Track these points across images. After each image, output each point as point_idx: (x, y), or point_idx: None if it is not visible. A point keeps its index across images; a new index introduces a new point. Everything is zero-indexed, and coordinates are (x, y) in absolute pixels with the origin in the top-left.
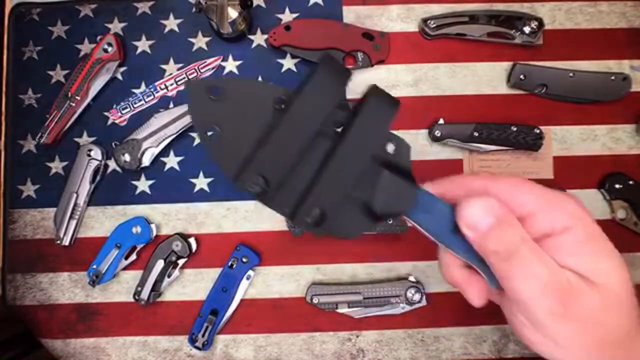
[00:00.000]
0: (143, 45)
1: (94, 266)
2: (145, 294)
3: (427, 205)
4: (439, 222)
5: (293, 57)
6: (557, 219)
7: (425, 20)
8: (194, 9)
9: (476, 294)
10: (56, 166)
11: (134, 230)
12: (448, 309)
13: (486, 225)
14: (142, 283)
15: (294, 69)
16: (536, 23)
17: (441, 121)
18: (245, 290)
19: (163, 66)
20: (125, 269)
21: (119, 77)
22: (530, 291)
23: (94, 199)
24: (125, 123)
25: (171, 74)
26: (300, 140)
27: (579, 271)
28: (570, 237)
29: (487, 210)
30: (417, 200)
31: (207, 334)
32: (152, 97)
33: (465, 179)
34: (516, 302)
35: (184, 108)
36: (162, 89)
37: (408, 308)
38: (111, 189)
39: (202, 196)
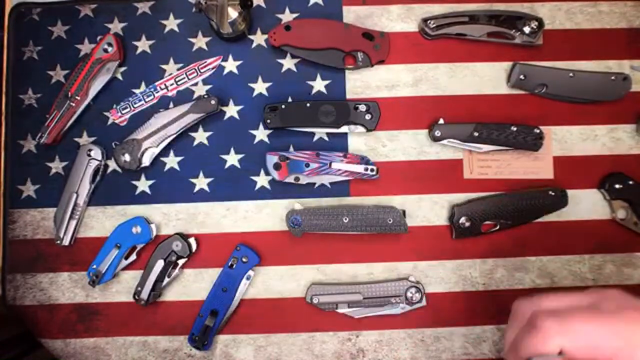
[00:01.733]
0: (143, 45)
1: (94, 266)
2: (145, 294)
3: None
4: None
5: (293, 57)
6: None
7: (425, 20)
8: (194, 9)
9: None
10: (56, 166)
11: (133, 230)
12: (448, 309)
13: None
14: (142, 283)
15: (294, 69)
16: (536, 23)
17: (441, 121)
18: (245, 290)
19: (163, 66)
20: (125, 269)
21: (119, 77)
22: None
23: (94, 199)
24: (125, 123)
25: (171, 74)
26: None
27: None
28: None
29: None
30: None
31: (207, 334)
32: (152, 97)
33: (535, 347)
34: None
35: (183, 108)
36: (162, 89)
37: (408, 308)
38: (111, 189)
39: (202, 196)
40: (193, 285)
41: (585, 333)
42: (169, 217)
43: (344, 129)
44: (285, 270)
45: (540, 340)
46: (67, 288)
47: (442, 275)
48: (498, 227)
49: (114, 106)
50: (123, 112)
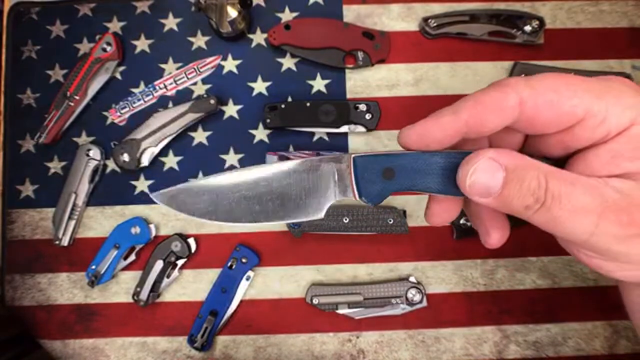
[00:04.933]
0: (142, 44)
1: (93, 267)
2: (144, 295)
3: (415, 167)
4: (437, 178)
5: (293, 56)
6: (612, 119)
7: (425, 20)
8: (193, 8)
9: (498, 233)
10: (55, 166)
11: (132, 230)
12: (449, 310)
13: (499, 185)
14: (141, 283)
15: (293, 68)
16: (537, 22)
17: None
18: (244, 290)
19: (162, 65)
20: (124, 269)
21: (118, 76)
22: (584, 228)
23: (92, 199)
24: (124, 123)
25: (170, 73)
26: None
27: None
28: (626, 140)
29: (490, 168)
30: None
31: (206, 334)
32: (151, 96)
33: (492, 96)
34: (573, 243)
35: (183, 107)
36: (161, 89)
37: (409, 309)
38: (110, 189)
39: None
40: (192, 285)
41: (551, 86)
42: (168, 217)
43: (344, 128)
44: (285, 270)
45: (500, 90)
46: (65, 288)
47: (443, 276)
48: None
49: (113, 106)
50: (122, 111)
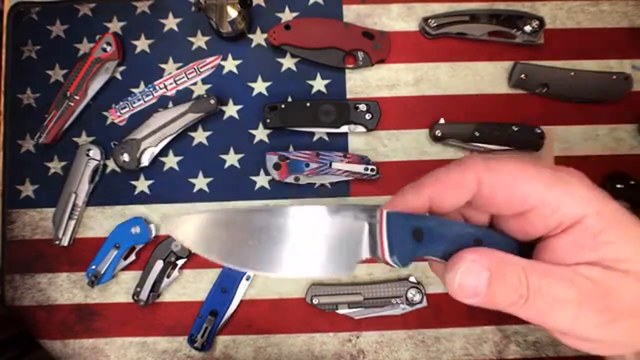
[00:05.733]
0: (142, 44)
1: (93, 266)
2: (144, 295)
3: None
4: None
5: (293, 56)
6: (566, 211)
7: (425, 20)
8: (193, 8)
9: None
10: (55, 166)
11: (132, 230)
12: (449, 310)
13: (484, 287)
14: (141, 283)
15: (293, 68)
16: (537, 22)
17: (442, 121)
18: (244, 290)
19: (162, 65)
20: (124, 269)
21: (118, 76)
22: (566, 319)
23: (92, 199)
24: (124, 123)
25: (170, 73)
26: None
27: (605, 263)
28: (583, 231)
29: (474, 269)
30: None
31: (206, 334)
32: (151, 96)
33: (452, 175)
34: (559, 332)
35: (183, 107)
36: (161, 89)
37: (408, 309)
38: (110, 189)
39: (201, 196)
40: (192, 285)
41: (508, 170)
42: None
43: (344, 128)
44: None
45: (459, 170)
46: (66, 288)
47: None
48: None
49: (113, 106)
50: (122, 111)
